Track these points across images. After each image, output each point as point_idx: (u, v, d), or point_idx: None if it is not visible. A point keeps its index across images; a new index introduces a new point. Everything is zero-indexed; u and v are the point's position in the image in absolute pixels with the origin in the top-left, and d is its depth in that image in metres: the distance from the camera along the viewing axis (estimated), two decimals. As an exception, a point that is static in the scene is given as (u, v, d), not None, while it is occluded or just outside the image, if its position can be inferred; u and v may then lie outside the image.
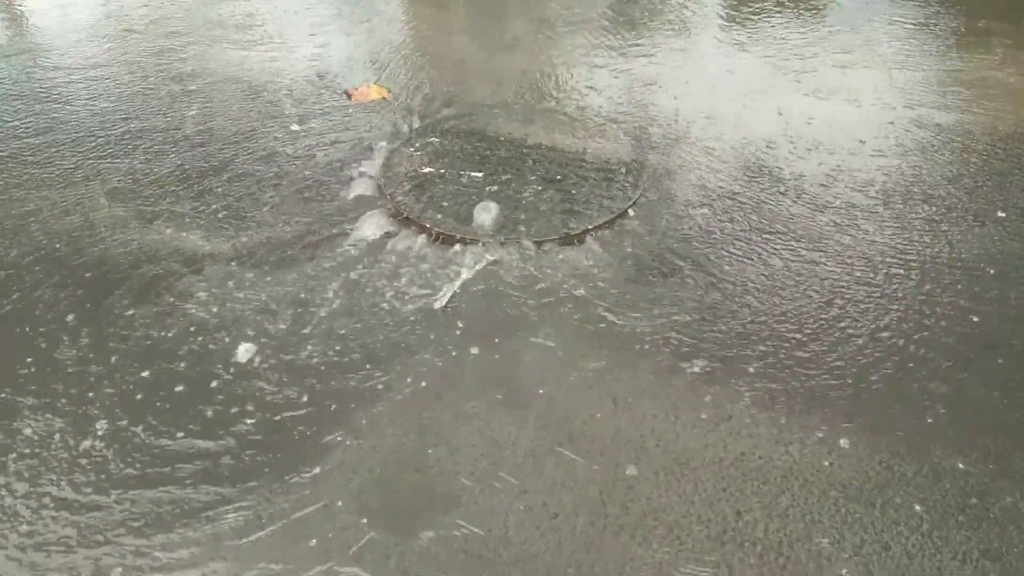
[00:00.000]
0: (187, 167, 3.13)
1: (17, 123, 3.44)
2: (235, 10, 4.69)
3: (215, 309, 2.42)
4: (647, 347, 2.28)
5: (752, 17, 4.62)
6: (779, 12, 4.64)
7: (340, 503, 1.85)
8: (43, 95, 3.69)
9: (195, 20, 4.55)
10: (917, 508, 1.84)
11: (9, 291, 2.50)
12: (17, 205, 2.90)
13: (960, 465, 1.94)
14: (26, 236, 2.74)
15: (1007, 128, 3.41)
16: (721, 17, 4.65)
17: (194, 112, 3.54)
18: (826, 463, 1.94)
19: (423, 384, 2.17)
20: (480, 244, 2.66)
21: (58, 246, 2.69)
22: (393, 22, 4.60)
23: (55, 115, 3.51)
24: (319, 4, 4.84)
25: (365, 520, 1.81)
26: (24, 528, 1.80)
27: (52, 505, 1.85)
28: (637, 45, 4.24)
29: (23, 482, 1.90)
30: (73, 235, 2.74)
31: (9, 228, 2.78)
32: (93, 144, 3.28)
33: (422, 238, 2.72)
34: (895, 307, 2.42)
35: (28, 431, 2.03)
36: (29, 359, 2.25)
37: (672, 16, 4.66)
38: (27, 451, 1.98)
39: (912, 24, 4.50)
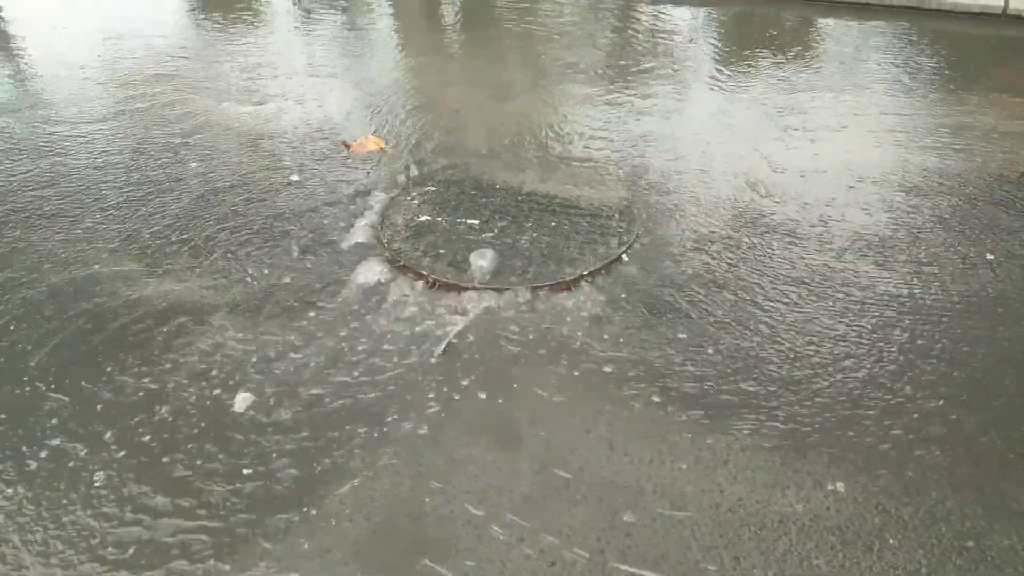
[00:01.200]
0: (188, 218, 3.18)
1: (22, 176, 3.50)
2: (237, 64, 4.80)
3: (214, 359, 2.44)
4: (643, 391, 2.29)
5: (744, 66, 4.73)
6: (770, 61, 4.75)
7: (336, 553, 1.84)
8: (47, 149, 3.76)
9: (197, 74, 4.65)
10: (915, 552, 1.83)
11: (9, 340, 2.52)
12: (20, 257, 2.94)
13: (956, 507, 1.94)
14: (28, 287, 2.77)
15: (994, 171, 3.47)
16: (713, 66, 4.76)
17: (195, 164, 3.61)
18: (822, 507, 1.94)
19: (420, 430, 2.17)
20: (476, 291, 2.70)
21: (59, 297, 2.72)
22: (391, 74, 4.71)
23: (59, 168, 3.57)
24: (320, 58, 4.95)
25: (361, 570, 1.81)
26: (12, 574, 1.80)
27: (40, 555, 1.85)
28: (631, 93, 4.33)
29: (14, 526, 1.90)
30: (75, 286, 2.77)
31: (12, 279, 2.81)
32: (96, 196, 3.34)
33: (419, 285, 2.75)
34: (888, 350, 2.45)
35: (24, 481, 2.03)
36: (28, 409, 2.26)
37: (665, 65, 4.77)
38: (22, 499, 1.98)
39: (900, 71, 4.61)
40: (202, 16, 5.84)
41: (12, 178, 3.49)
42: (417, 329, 2.55)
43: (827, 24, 5.56)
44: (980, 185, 3.37)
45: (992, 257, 2.89)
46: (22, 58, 5.04)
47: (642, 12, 5.93)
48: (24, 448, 2.13)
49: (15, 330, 2.57)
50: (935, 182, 3.39)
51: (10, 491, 2.01)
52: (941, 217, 3.14)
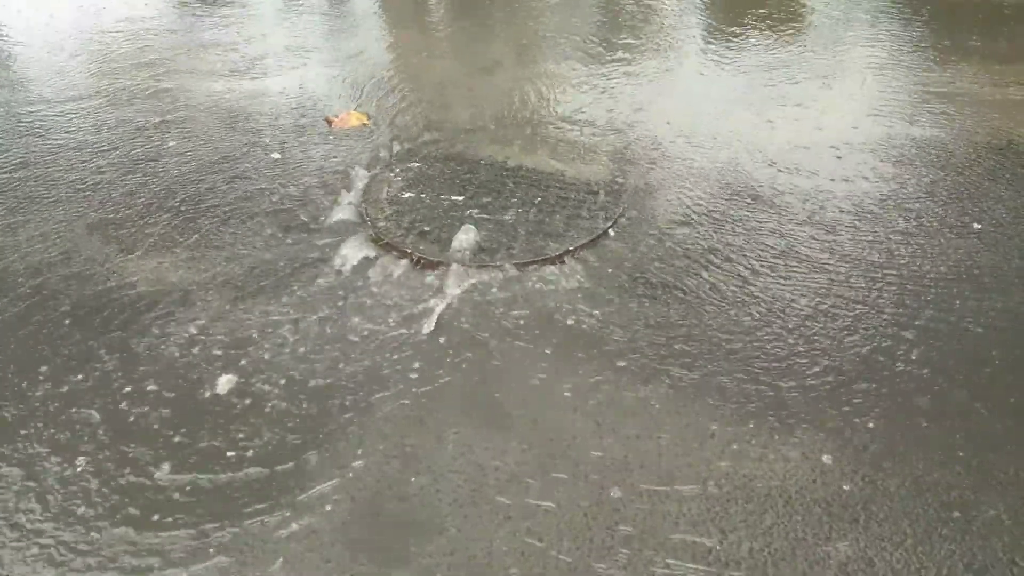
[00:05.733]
0: (167, 197, 3.13)
1: (-4, 157, 3.44)
2: (216, 40, 4.71)
3: (195, 339, 2.41)
4: (629, 367, 2.28)
5: (732, 37, 4.67)
6: (758, 32, 4.70)
7: (323, 535, 1.83)
8: (23, 128, 3.68)
9: (176, 51, 4.57)
10: (900, 523, 1.83)
11: (-13, 327, 2.48)
12: (-4, 240, 2.89)
13: (942, 478, 1.94)
14: (5, 270, 2.72)
15: (982, 140, 3.45)
16: (701, 38, 4.71)
17: (174, 143, 3.54)
18: (809, 480, 1.94)
19: (405, 409, 2.16)
20: (461, 268, 2.67)
21: (37, 279, 2.67)
22: (374, 49, 4.63)
23: (34, 148, 3.50)
24: (301, 32, 4.87)
25: (348, 552, 1.80)
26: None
27: (22, 539, 1.83)
28: (617, 67, 4.28)
29: None
30: (53, 268, 2.73)
31: (-12, 263, 2.77)
32: (73, 177, 3.28)
33: (404, 263, 2.72)
34: (874, 322, 2.44)
35: (3, 468, 2.01)
36: (5, 395, 2.23)
37: (653, 38, 4.71)
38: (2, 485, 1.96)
39: (888, 40, 4.56)
40: (180, -9, 5.72)
41: (-13, 159, 3.43)
42: (402, 307, 2.52)
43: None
44: (968, 154, 3.35)
45: (980, 227, 2.88)
46: (-4, 36, 4.93)
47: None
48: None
49: (-7, 315, 2.53)
50: (922, 151, 3.37)
51: (-10, 478, 1.99)
52: (929, 187, 3.12)
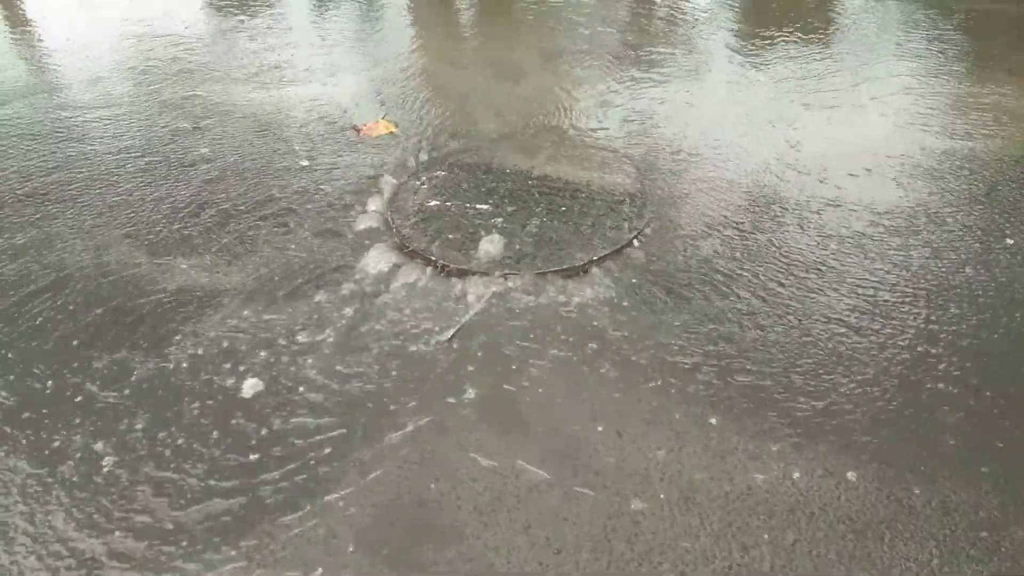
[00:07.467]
0: (198, 203, 3.18)
1: (33, 162, 3.51)
2: (250, 49, 4.78)
3: (222, 344, 2.44)
4: (652, 379, 2.27)
5: (759, 47, 4.65)
6: (787, 41, 4.67)
7: (343, 538, 1.84)
8: (59, 134, 3.76)
9: (210, 60, 4.64)
10: (926, 543, 1.80)
11: (20, 325, 2.53)
12: (31, 242, 2.95)
13: (969, 497, 1.90)
14: (39, 272, 2.78)
15: (1015, 153, 3.40)
16: (728, 47, 4.68)
17: (206, 149, 3.60)
18: (833, 496, 1.92)
19: (427, 417, 2.16)
20: (486, 276, 2.68)
21: (70, 282, 2.72)
22: (403, 58, 4.67)
23: (70, 153, 3.57)
24: (330, 42, 4.93)
25: (367, 557, 1.80)
26: (26, 563, 1.81)
27: (50, 542, 1.86)
28: (643, 75, 4.27)
29: (26, 517, 1.91)
30: (85, 271, 2.78)
31: (23, 264, 2.82)
32: (108, 181, 3.34)
33: (428, 271, 2.73)
34: (902, 336, 2.40)
35: (31, 466, 2.05)
36: (35, 395, 2.27)
37: (679, 47, 4.70)
38: (30, 485, 1.99)
39: (919, 51, 4.51)
40: (218, 0, 5.82)
41: (26, 163, 3.50)
42: (425, 315, 2.54)
43: (849, 0, 5.45)
44: (1001, 168, 3.30)
45: (1012, 242, 2.83)
46: (38, 43, 5.04)
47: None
48: (30, 429, 2.15)
49: (25, 311, 2.58)
50: (955, 164, 3.32)
51: (12, 463, 2.02)
52: (960, 200, 3.08)
